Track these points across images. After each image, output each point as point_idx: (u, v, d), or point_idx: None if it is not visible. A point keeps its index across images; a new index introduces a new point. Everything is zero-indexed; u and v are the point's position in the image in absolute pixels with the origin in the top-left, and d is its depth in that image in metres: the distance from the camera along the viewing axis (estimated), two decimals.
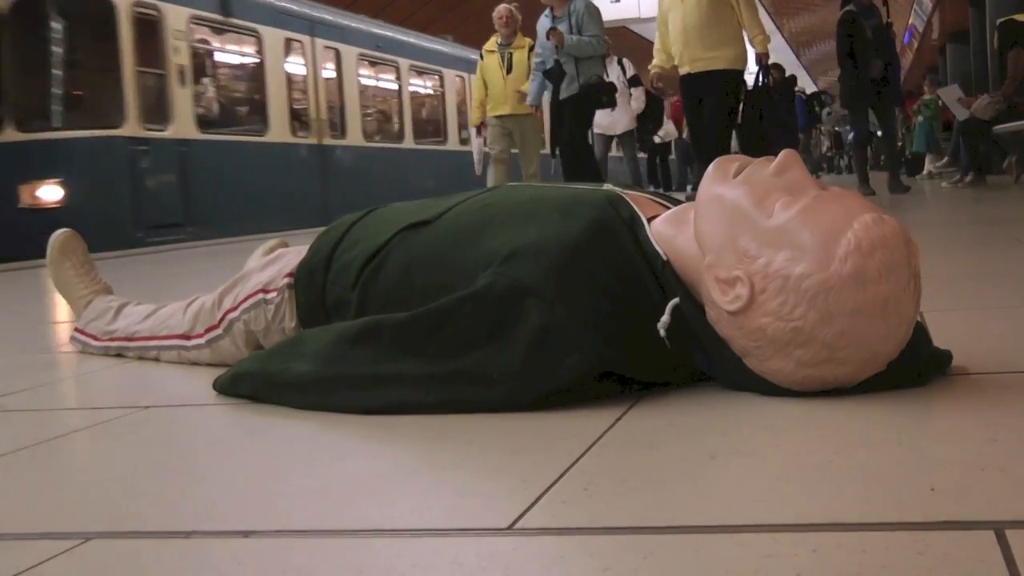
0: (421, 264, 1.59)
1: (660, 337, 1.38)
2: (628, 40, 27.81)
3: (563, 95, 7.47)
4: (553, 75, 7.50)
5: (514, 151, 8.63)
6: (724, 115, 7.01)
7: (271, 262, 1.89)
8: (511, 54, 8.62)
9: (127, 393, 1.86)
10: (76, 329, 2.29)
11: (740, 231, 1.33)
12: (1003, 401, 1.29)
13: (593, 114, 7.90)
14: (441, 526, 0.95)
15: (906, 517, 0.88)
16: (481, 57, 8.86)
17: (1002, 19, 10.55)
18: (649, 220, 1.48)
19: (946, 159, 12.26)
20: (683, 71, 7.06)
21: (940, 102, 15.68)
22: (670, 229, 1.45)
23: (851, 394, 1.32)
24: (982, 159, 10.07)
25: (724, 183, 1.39)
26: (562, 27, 7.41)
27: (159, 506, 1.09)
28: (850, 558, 0.79)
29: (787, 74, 16.01)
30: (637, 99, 11.31)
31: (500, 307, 1.38)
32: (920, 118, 15.53)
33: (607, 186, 1.61)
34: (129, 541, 0.98)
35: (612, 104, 7.86)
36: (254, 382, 1.59)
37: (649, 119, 12.00)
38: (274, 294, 1.81)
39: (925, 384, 1.37)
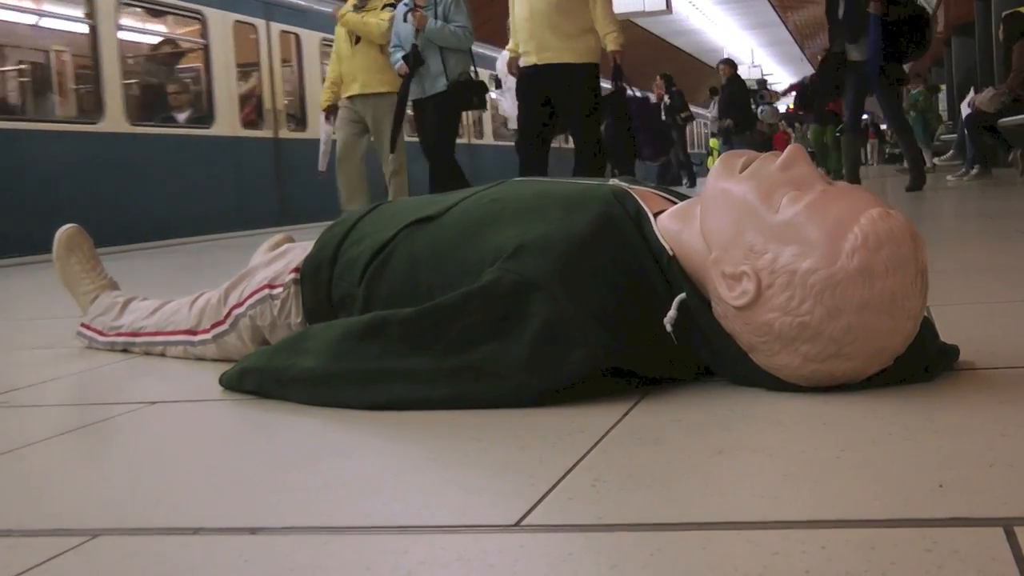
0: (427, 259, 1.59)
1: (666, 332, 1.38)
2: (632, 34, 27.80)
3: (427, 91, 6.79)
4: (409, 61, 6.75)
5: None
6: (590, 111, 6.38)
7: (277, 257, 1.89)
8: (362, 19, 7.18)
9: (133, 389, 1.86)
10: (82, 324, 2.29)
11: (746, 226, 1.33)
12: (1011, 396, 1.29)
13: (460, 116, 7.18)
14: (448, 523, 0.95)
15: (914, 513, 0.88)
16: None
17: (1007, 11, 10.52)
18: (655, 215, 1.48)
19: (951, 152, 12.23)
20: (527, 61, 6.31)
21: (931, 98, 15.68)
22: (676, 224, 1.45)
23: (858, 389, 1.32)
24: (987, 152, 10.05)
25: (730, 178, 1.39)
26: (428, 13, 6.70)
27: (166, 502, 1.09)
28: (859, 555, 0.79)
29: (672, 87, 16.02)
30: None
31: (506, 302, 1.38)
32: (912, 113, 15.44)
33: (613, 181, 1.60)
34: (136, 538, 0.98)
35: (482, 105, 7.26)
36: (260, 377, 1.59)
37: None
38: (280, 289, 1.82)
39: (932, 379, 1.37)
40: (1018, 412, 1.20)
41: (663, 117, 16.57)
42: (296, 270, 1.81)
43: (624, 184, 1.58)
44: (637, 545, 0.86)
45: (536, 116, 6.43)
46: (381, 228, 1.70)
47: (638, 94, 7.94)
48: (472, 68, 7.04)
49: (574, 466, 1.09)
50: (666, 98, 16.03)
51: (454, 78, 6.79)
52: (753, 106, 17.64)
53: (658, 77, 16.45)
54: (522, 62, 6.42)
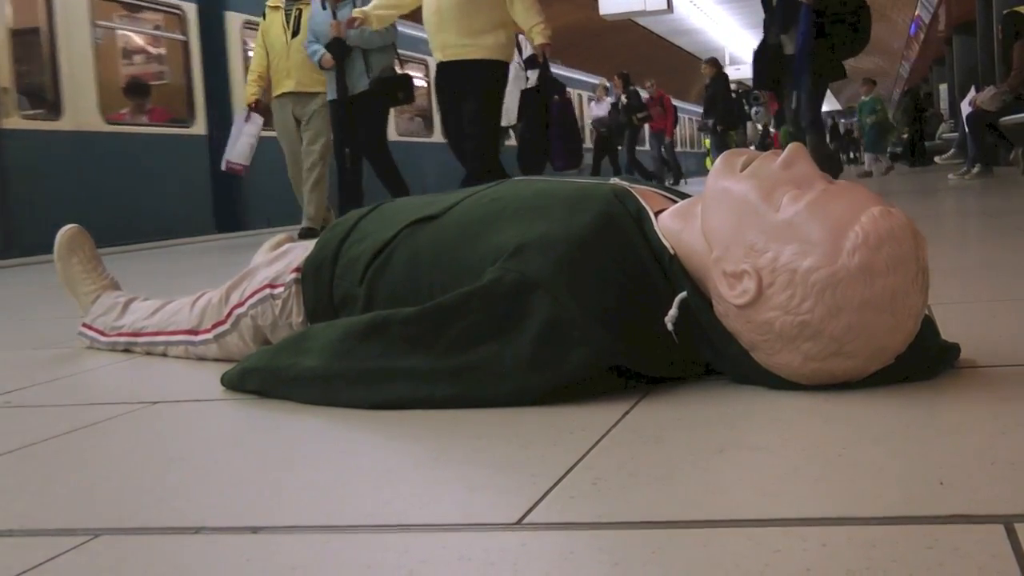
0: (428, 259, 1.59)
1: (667, 331, 1.38)
2: (634, 34, 27.78)
3: (351, 90, 6.54)
4: (333, 50, 6.44)
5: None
6: (490, 117, 6.03)
7: (278, 257, 1.89)
8: (299, 12, 6.84)
9: (135, 388, 1.87)
10: (83, 324, 2.29)
11: (747, 225, 1.33)
12: (1012, 394, 1.29)
13: (387, 114, 6.97)
14: (450, 521, 0.95)
15: (915, 511, 0.88)
16: (263, 16, 7.07)
17: (1006, 11, 10.51)
18: (656, 214, 1.48)
19: (952, 151, 12.23)
20: (437, 57, 6.02)
21: (879, 106, 15.59)
22: (677, 223, 1.45)
23: (859, 388, 1.32)
24: (988, 151, 10.04)
25: (731, 177, 1.39)
26: (346, 11, 6.33)
27: (168, 502, 1.09)
28: (860, 552, 0.79)
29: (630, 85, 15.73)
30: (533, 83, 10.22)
31: (508, 301, 1.38)
32: (869, 120, 15.36)
33: (614, 180, 1.60)
34: (138, 537, 0.98)
35: (409, 100, 6.97)
36: (262, 377, 1.59)
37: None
38: (281, 289, 1.82)
39: (933, 377, 1.37)
40: (1019, 410, 1.20)
41: (620, 117, 16.29)
42: (297, 270, 1.81)
43: (625, 183, 1.58)
44: (638, 543, 0.86)
45: (451, 113, 6.14)
46: (382, 228, 1.70)
47: (557, 97, 7.15)
48: (396, 61, 6.77)
49: (575, 464, 1.09)
50: (623, 97, 15.82)
51: (377, 75, 6.54)
52: (746, 107, 17.53)
53: (615, 76, 16.28)
54: (435, 58, 6.12)
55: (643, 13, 20.43)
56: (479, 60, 5.92)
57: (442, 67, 6.05)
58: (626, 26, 25.16)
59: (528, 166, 6.94)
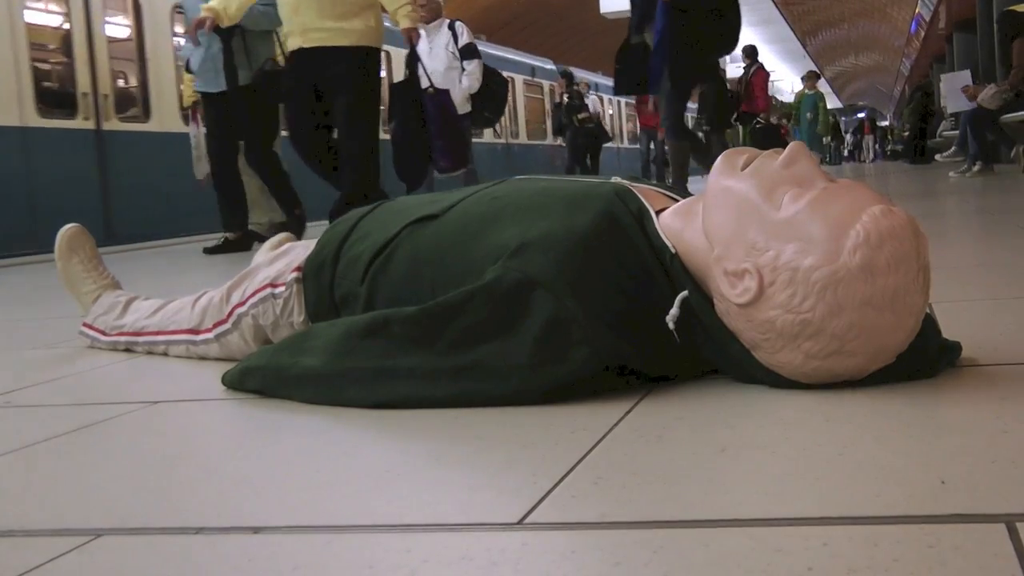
0: (429, 258, 1.59)
1: (669, 330, 1.38)
2: None
3: (225, 84, 5.91)
4: (220, 32, 5.73)
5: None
6: (367, 119, 5.42)
7: (279, 256, 1.89)
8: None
9: (136, 388, 1.87)
10: (84, 324, 2.30)
11: (749, 224, 1.33)
12: (1014, 392, 1.28)
13: (276, 113, 6.07)
14: (451, 521, 0.95)
15: (917, 510, 0.88)
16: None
17: (1004, 9, 10.52)
18: (657, 213, 1.48)
19: (953, 149, 12.23)
20: (293, 44, 5.36)
21: (820, 104, 15.48)
22: (678, 222, 1.45)
23: (861, 386, 1.32)
24: (989, 148, 10.04)
25: (732, 176, 1.38)
26: None
27: (169, 502, 1.09)
28: (861, 551, 0.79)
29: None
30: (471, 75, 8.59)
31: (509, 300, 1.38)
32: (808, 115, 15.24)
33: (615, 179, 1.60)
34: (139, 537, 0.98)
35: (286, 107, 5.96)
36: (263, 376, 1.59)
37: (488, 100, 8.85)
38: (282, 288, 1.82)
39: (935, 376, 1.37)
40: (1020, 408, 1.20)
41: (561, 118, 15.77)
42: (298, 269, 1.81)
43: (626, 182, 1.58)
44: (640, 543, 0.86)
45: (306, 113, 5.42)
46: (383, 227, 1.70)
47: (430, 87, 6.33)
48: (280, 53, 5.95)
49: (577, 464, 1.09)
50: (565, 97, 15.42)
51: (259, 67, 5.89)
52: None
53: (559, 75, 16.01)
54: (288, 46, 5.47)
55: None
56: (348, 47, 5.27)
57: (300, 56, 5.32)
58: (626, 24, 25.16)
59: (407, 170, 6.17)
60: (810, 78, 16.17)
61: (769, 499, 0.94)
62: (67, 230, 2.37)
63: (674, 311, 1.38)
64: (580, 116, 15.55)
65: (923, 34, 26.86)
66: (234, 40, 5.88)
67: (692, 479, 1.03)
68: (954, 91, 10.40)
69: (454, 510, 0.99)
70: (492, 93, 8.81)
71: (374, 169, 5.44)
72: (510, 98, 17.03)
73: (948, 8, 20.20)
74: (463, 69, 8.55)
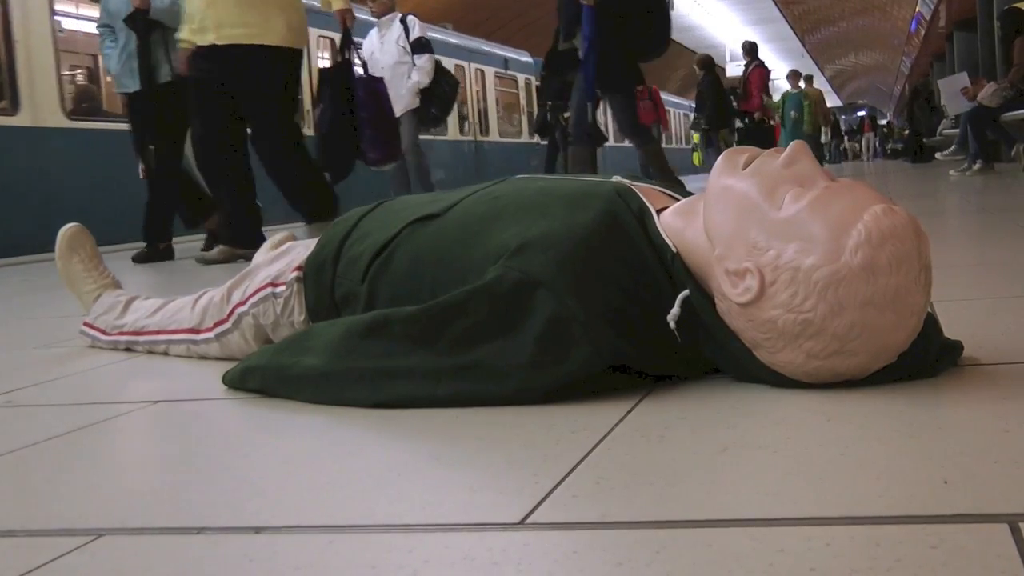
0: (430, 257, 1.59)
1: (670, 329, 1.38)
2: None
3: (143, 83, 5.56)
4: (137, 24, 5.49)
5: None
6: (288, 127, 5.08)
7: (279, 256, 1.89)
8: None
9: (136, 388, 1.87)
10: (85, 323, 2.30)
11: (750, 223, 1.33)
12: (1015, 392, 1.28)
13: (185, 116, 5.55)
14: (453, 521, 0.95)
15: (919, 510, 0.88)
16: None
17: (1005, 7, 10.52)
18: (658, 212, 1.48)
19: (953, 147, 12.23)
20: (204, 40, 4.88)
21: (807, 102, 15.43)
22: (679, 221, 1.45)
23: (862, 386, 1.32)
24: (990, 147, 10.04)
25: (733, 175, 1.38)
26: None
27: (170, 502, 1.09)
28: (863, 552, 0.79)
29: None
30: (421, 69, 8.25)
31: (510, 300, 1.38)
32: (793, 114, 15.17)
33: (616, 177, 1.60)
34: (140, 537, 0.98)
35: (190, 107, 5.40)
36: (264, 376, 1.59)
37: (436, 99, 8.54)
38: (283, 288, 1.82)
39: (936, 375, 1.37)
40: (1022, 408, 1.20)
41: (547, 117, 16.02)
42: (299, 268, 1.81)
43: (627, 181, 1.58)
44: (642, 543, 0.85)
45: (215, 115, 4.95)
46: (383, 226, 1.70)
47: (363, 73, 5.95)
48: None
49: (578, 463, 1.09)
50: None
51: (177, 65, 5.43)
52: (736, 104, 17.26)
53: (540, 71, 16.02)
54: (195, 41, 4.94)
55: None
56: (269, 47, 4.85)
57: (211, 54, 4.85)
58: None
59: (333, 162, 5.73)
60: (794, 76, 16.05)
61: (771, 499, 0.94)
62: (67, 229, 2.37)
63: (675, 310, 1.37)
64: (565, 115, 15.34)
65: (923, 32, 26.87)
66: (153, 37, 5.58)
67: (694, 479, 1.03)
68: (953, 94, 10.38)
69: (455, 510, 0.99)
70: (442, 92, 8.50)
71: (306, 178, 5.13)
72: (480, 92, 16.49)
73: (948, 6, 20.21)
74: (413, 63, 8.28)
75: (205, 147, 5.09)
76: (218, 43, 4.80)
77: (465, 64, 15.76)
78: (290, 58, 4.96)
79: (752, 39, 16.43)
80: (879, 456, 1.05)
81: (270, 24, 4.82)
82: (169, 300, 2.17)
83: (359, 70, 5.90)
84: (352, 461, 1.20)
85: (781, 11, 29.63)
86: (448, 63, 14.36)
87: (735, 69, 22.40)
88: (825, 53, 39.65)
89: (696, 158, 16.20)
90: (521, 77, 18.55)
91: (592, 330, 1.35)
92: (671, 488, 1.00)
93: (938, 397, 1.29)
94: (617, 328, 1.36)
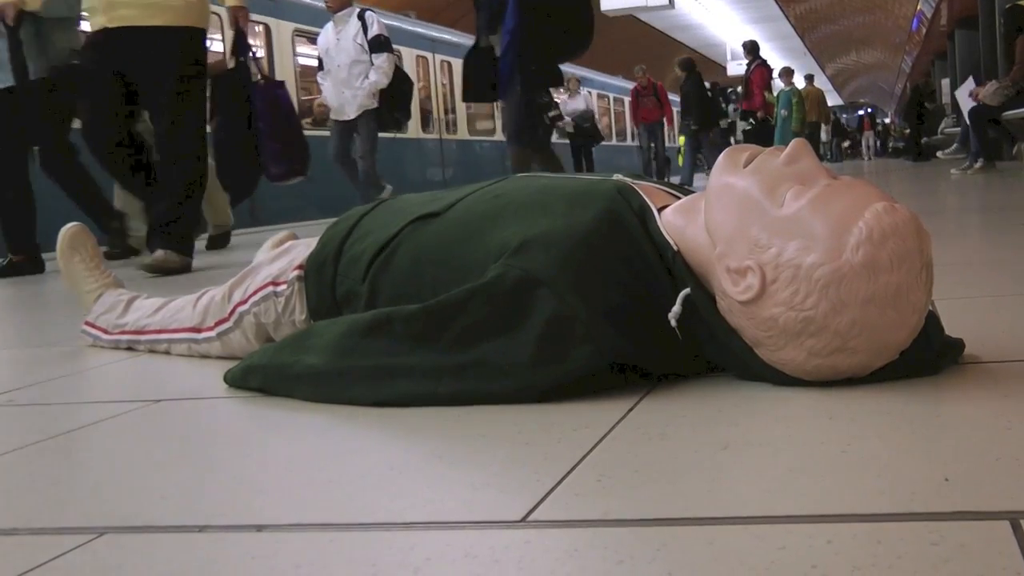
0: (431, 256, 1.59)
1: (671, 327, 1.38)
2: (635, 29, 27.75)
3: (16, 79, 5.00)
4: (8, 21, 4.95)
5: None
6: (196, 115, 4.66)
7: (281, 254, 1.89)
8: None
9: (138, 387, 1.87)
10: (86, 323, 2.30)
11: (751, 221, 1.33)
12: (1017, 389, 1.28)
13: (68, 114, 5.22)
14: (454, 519, 0.95)
15: (920, 507, 0.88)
16: None
17: (1008, 5, 10.52)
18: (659, 210, 1.48)
19: (955, 146, 12.23)
20: (95, 23, 4.48)
21: (794, 100, 15.37)
22: (681, 219, 1.45)
23: (863, 383, 1.32)
24: (991, 145, 10.04)
25: (734, 173, 1.38)
26: None
27: (172, 500, 1.09)
28: (865, 549, 0.79)
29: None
30: (379, 69, 7.90)
31: (511, 298, 1.38)
32: (783, 112, 15.09)
33: (617, 176, 1.60)
34: (142, 536, 0.98)
35: (82, 96, 4.81)
36: (265, 375, 1.59)
37: (398, 99, 8.09)
38: (284, 287, 1.82)
39: (937, 373, 1.37)
40: (1023, 405, 1.20)
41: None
42: (300, 267, 1.81)
43: (628, 179, 1.58)
44: (643, 540, 0.86)
45: (108, 107, 4.53)
46: (384, 225, 1.70)
47: (259, 78, 5.37)
48: (78, 43, 5.11)
49: (580, 461, 1.09)
50: None
51: (58, 61, 5.06)
52: (723, 104, 17.08)
53: None
54: (89, 26, 4.57)
55: (645, 8, 20.37)
56: (165, 27, 4.44)
57: (105, 38, 4.44)
58: (628, 22, 25.13)
59: (232, 178, 5.22)
60: (786, 73, 15.96)
61: (772, 496, 0.94)
62: (68, 229, 2.37)
63: (676, 308, 1.37)
64: (551, 114, 15.11)
65: (924, 31, 26.87)
66: (23, 28, 5.08)
67: (695, 476, 1.03)
68: (967, 101, 10.39)
69: (457, 508, 0.99)
70: (402, 93, 8.12)
71: (203, 173, 4.75)
72: (447, 86, 15.34)
73: (950, 5, 20.20)
74: (371, 62, 7.91)
75: (92, 138, 4.63)
76: (109, 27, 4.39)
77: (429, 55, 14.80)
78: (189, 39, 4.52)
79: (753, 38, 16.38)
80: (880, 454, 1.05)
81: (165, 4, 4.42)
82: (170, 299, 2.17)
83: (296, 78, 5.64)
84: (353, 459, 1.20)
85: (782, 9, 29.62)
86: (409, 55, 13.52)
87: (736, 68, 22.41)
88: (826, 52, 39.63)
89: (680, 160, 15.96)
90: None
91: (593, 328, 1.35)
92: (672, 486, 1.00)
93: (939, 395, 1.29)
94: (618, 326, 1.36)
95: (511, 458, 1.15)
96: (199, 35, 4.58)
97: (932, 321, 1.40)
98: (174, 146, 4.51)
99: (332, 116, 8.04)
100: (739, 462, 1.07)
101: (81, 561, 0.92)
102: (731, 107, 17.90)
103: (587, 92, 16.85)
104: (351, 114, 7.94)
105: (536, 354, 1.36)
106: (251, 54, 5.19)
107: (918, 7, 25.64)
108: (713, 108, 15.08)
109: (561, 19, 5.69)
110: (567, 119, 15.66)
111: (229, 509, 1.04)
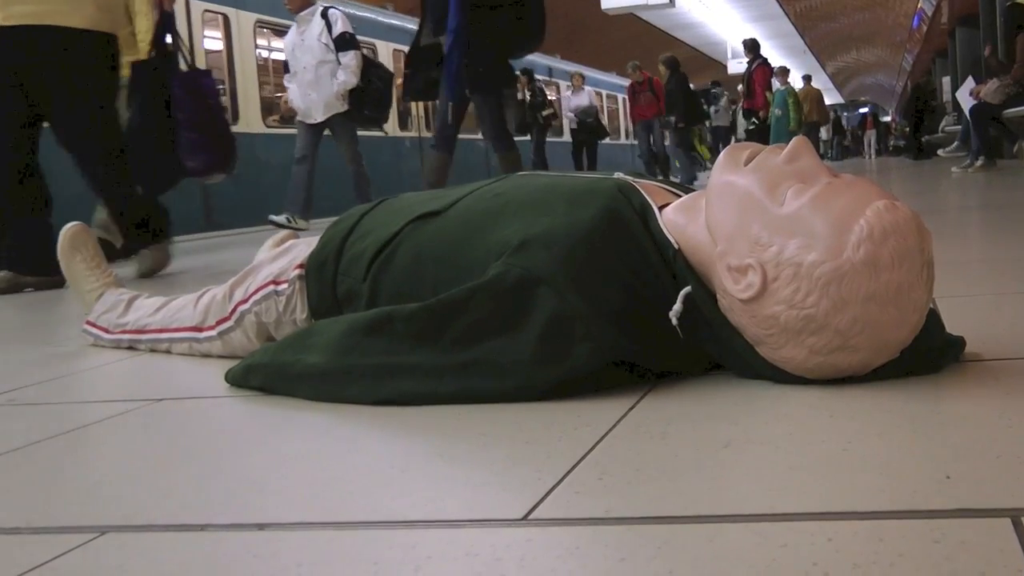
0: (432, 255, 1.59)
1: (672, 326, 1.38)
2: (636, 28, 27.75)
3: None
4: None
5: None
6: (109, 121, 4.34)
7: (282, 253, 1.89)
8: None
9: (139, 386, 1.87)
10: (87, 322, 2.30)
11: (752, 219, 1.33)
12: (1018, 387, 1.28)
13: None
14: (455, 517, 0.95)
15: (922, 505, 0.88)
16: None
17: (1008, 3, 10.51)
18: (660, 208, 1.48)
19: (956, 144, 12.22)
20: None
21: (790, 100, 15.33)
22: (682, 217, 1.45)
23: (864, 381, 1.32)
24: (992, 144, 10.03)
25: (735, 171, 1.38)
26: None
27: (173, 499, 1.09)
28: (866, 547, 0.79)
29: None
30: (346, 68, 7.57)
31: (512, 297, 1.38)
32: (777, 111, 15.04)
33: (618, 174, 1.60)
34: (144, 535, 0.98)
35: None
36: (266, 374, 1.59)
37: (368, 98, 7.75)
38: (285, 286, 1.82)
39: (939, 371, 1.37)
40: None
41: (525, 116, 14.43)
42: (301, 266, 1.81)
43: (629, 178, 1.58)
44: (645, 538, 0.86)
45: (8, 116, 4.12)
46: (385, 223, 1.70)
47: (185, 67, 4.95)
48: None
49: (581, 460, 1.09)
50: (528, 95, 14.59)
51: None
52: (705, 105, 16.93)
53: (519, 72, 15.43)
54: None
55: (645, 7, 20.34)
56: (72, 31, 4.09)
57: (1, 37, 4.05)
58: (628, 20, 25.12)
59: (147, 171, 4.68)
60: (781, 73, 15.90)
61: (773, 494, 0.94)
62: (69, 228, 2.37)
63: (677, 307, 1.37)
64: (545, 113, 14.79)
65: (925, 29, 26.85)
66: None
67: (696, 475, 1.03)
68: (967, 100, 10.38)
69: (458, 506, 0.99)
70: (374, 89, 7.67)
71: (129, 186, 4.46)
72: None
73: (950, 2, 20.19)
74: (338, 61, 7.60)
75: None
76: (4, 24, 4.01)
77: (407, 49, 14.85)
78: (101, 45, 4.17)
79: (753, 36, 16.35)
80: (881, 451, 1.05)
81: (74, 2, 4.05)
82: (171, 298, 2.17)
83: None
84: (354, 458, 1.20)
85: (782, 7, 29.60)
86: (386, 49, 13.17)
87: (737, 66, 22.39)
88: (827, 50, 39.61)
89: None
90: None
91: (594, 327, 1.35)
92: (673, 484, 1.00)
93: (940, 393, 1.29)
94: (619, 325, 1.36)
95: (512, 457, 1.15)
96: (111, 43, 4.31)
97: (933, 319, 1.40)
98: (93, 151, 4.30)
99: (299, 118, 7.72)
100: (740, 460, 1.07)
101: (82, 560, 0.92)
102: (712, 108, 17.84)
103: (590, 89, 16.70)
104: (318, 117, 7.66)
105: (537, 352, 1.36)
106: (175, 40, 4.80)
107: (919, 5, 25.62)
108: (697, 105, 15.01)
109: (508, 14, 5.39)
110: (570, 115, 15.63)
111: (230, 508, 1.04)
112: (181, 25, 8.74)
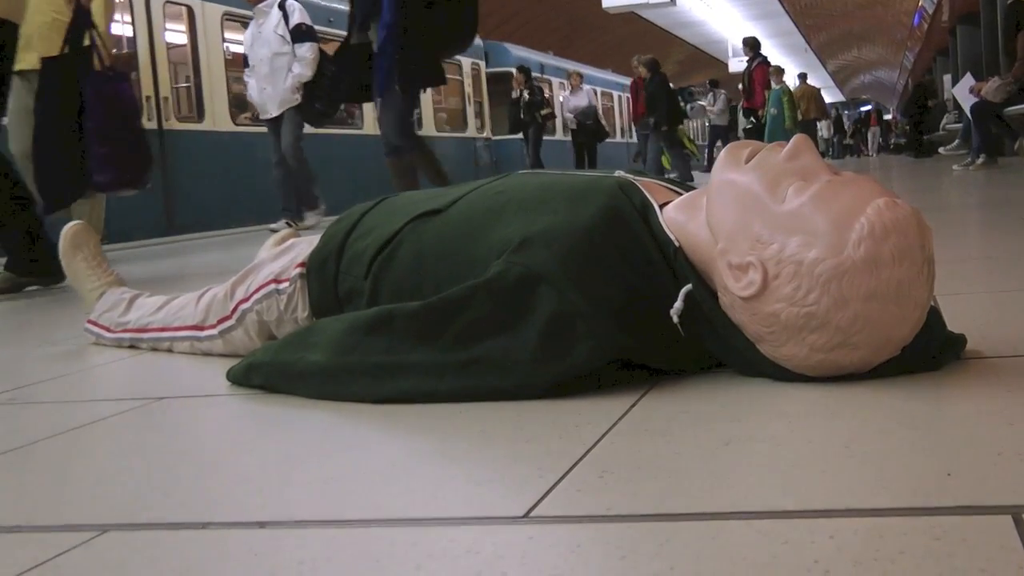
0: (433, 253, 1.59)
1: (673, 324, 1.38)
2: (637, 26, 27.76)
3: None
4: None
5: None
6: (59, 116, 4.14)
7: (283, 252, 1.90)
8: None
9: (141, 385, 1.87)
10: (89, 321, 2.30)
11: (752, 217, 1.33)
12: (1019, 385, 1.28)
13: None
14: (457, 515, 0.95)
15: (923, 502, 0.88)
16: None
17: (1010, 1, 10.50)
18: (661, 206, 1.48)
19: (956, 142, 12.21)
20: None
21: (785, 98, 15.29)
22: (682, 215, 1.45)
23: (865, 379, 1.32)
24: (993, 141, 10.03)
25: (736, 169, 1.38)
26: None
27: (174, 497, 1.09)
28: (867, 544, 0.79)
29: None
30: (302, 60, 7.41)
31: (513, 295, 1.38)
32: (773, 110, 15.00)
33: (619, 173, 1.60)
34: (145, 533, 0.99)
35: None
36: (268, 372, 1.59)
37: (321, 91, 7.48)
38: (286, 284, 1.82)
39: (940, 368, 1.37)
40: None
41: (521, 115, 14.44)
42: (302, 264, 1.81)
43: (629, 176, 1.58)
44: (646, 536, 0.86)
45: None
46: (387, 222, 1.70)
47: (109, 67, 4.50)
48: None
49: (582, 457, 1.09)
50: (525, 93, 14.52)
51: None
52: (683, 104, 16.77)
53: (515, 70, 14.88)
54: None
55: (646, 6, 20.33)
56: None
57: None
58: (629, 19, 25.13)
59: (48, 185, 4.26)
60: (776, 72, 15.86)
61: (774, 492, 0.94)
62: (71, 227, 2.37)
63: (678, 304, 1.37)
64: (543, 112, 14.65)
65: (926, 27, 26.84)
66: None
67: (697, 472, 1.03)
68: (965, 96, 10.36)
69: (459, 504, 0.99)
70: (326, 83, 7.29)
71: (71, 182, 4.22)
72: None
73: (951, 1, 20.17)
74: (293, 54, 7.43)
75: None
76: None
77: None
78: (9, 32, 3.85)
79: (754, 34, 16.32)
80: (882, 449, 1.05)
81: None
82: (173, 297, 2.17)
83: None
84: (355, 456, 1.20)
85: (783, 6, 29.59)
86: None
87: (738, 64, 22.38)
88: (827, 48, 39.58)
89: (665, 161, 15.61)
90: (467, 61, 16.08)
91: (595, 325, 1.35)
92: (675, 481, 1.00)
93: (941, 390, 1.29)
94: (620, 323, 1.36)
95: (513, 454, 1.15)
96: (11, 30, 4.04)
97: (934, 316, 1.40)
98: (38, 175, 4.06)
99: (260, 115, 7.63)
100: (741, 458, 1.07)
101: (83, 558, 0.92)
102: (689, 106, 17.72)
103: (589, 88, 16.60)
104: (273, 112, 7.50)
105: (538, 351, 1.36)
106: (92, 37, 4.39)
107: (920, 2, 25.60)
108: (677, 105, 14.89)
109: (444, 11, 5.23)
110: (569, 116, 15.56)
111: (231, 506, 1.04)
112: (139, 19, 8.57)
